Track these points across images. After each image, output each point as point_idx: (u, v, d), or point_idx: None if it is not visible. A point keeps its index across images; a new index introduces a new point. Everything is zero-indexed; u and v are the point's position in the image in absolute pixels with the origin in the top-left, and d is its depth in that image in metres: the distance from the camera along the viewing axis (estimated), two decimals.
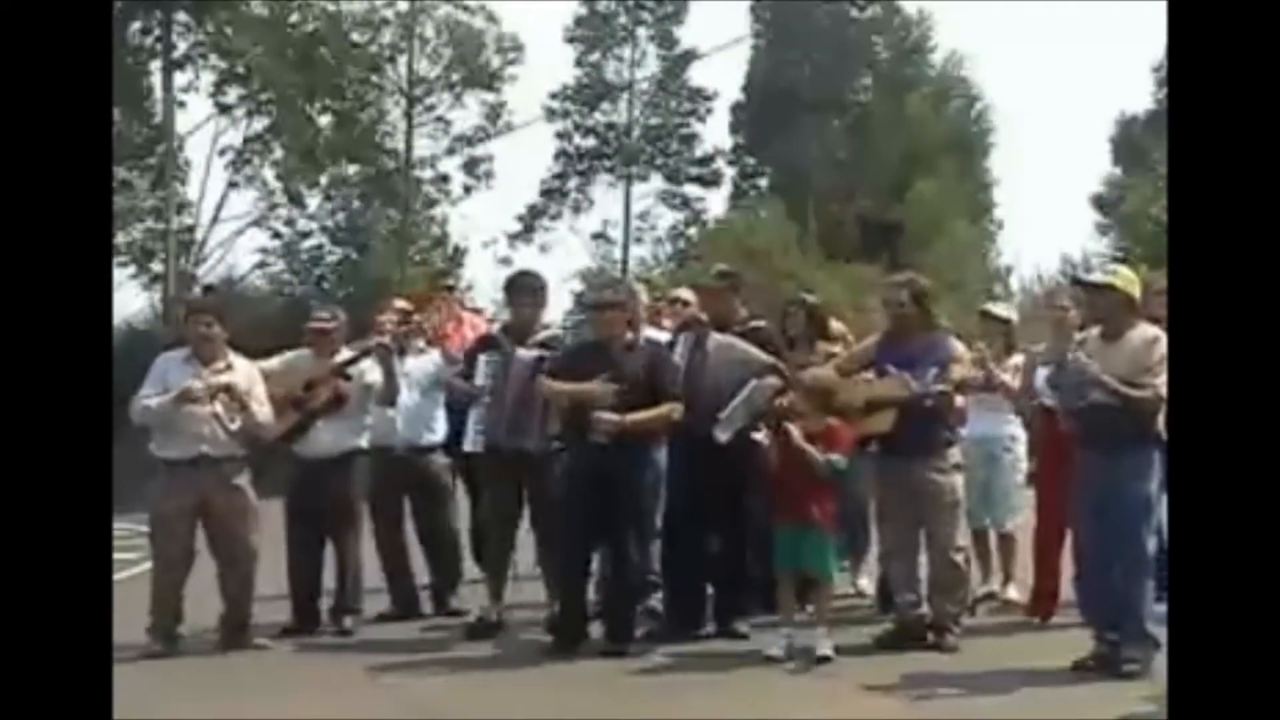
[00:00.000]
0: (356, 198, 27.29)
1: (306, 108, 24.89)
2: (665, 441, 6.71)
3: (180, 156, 24.92)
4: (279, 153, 25.37)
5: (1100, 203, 31.03)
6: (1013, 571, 7.65)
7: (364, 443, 7.45)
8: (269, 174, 25.67)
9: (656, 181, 33.14)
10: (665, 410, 6.60)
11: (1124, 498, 5.78)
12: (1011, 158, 48.01)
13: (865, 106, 30.58)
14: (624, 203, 32.88)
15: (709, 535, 6.94)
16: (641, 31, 32.81)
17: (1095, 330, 6.10)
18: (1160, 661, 5.56)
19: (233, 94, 24.63)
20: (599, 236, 32.71)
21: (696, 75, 32.78)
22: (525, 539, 7.28)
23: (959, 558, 6.69)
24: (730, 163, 32.93)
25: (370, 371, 7.32)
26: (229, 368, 6.96)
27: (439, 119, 28.45)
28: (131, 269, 24.90)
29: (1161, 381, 5.61)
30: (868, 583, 7.71)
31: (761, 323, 7.44)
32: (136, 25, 23.56)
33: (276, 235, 26.91)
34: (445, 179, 28.59)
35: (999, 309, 8.25)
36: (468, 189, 28.60)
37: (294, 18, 24.89)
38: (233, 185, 25.49)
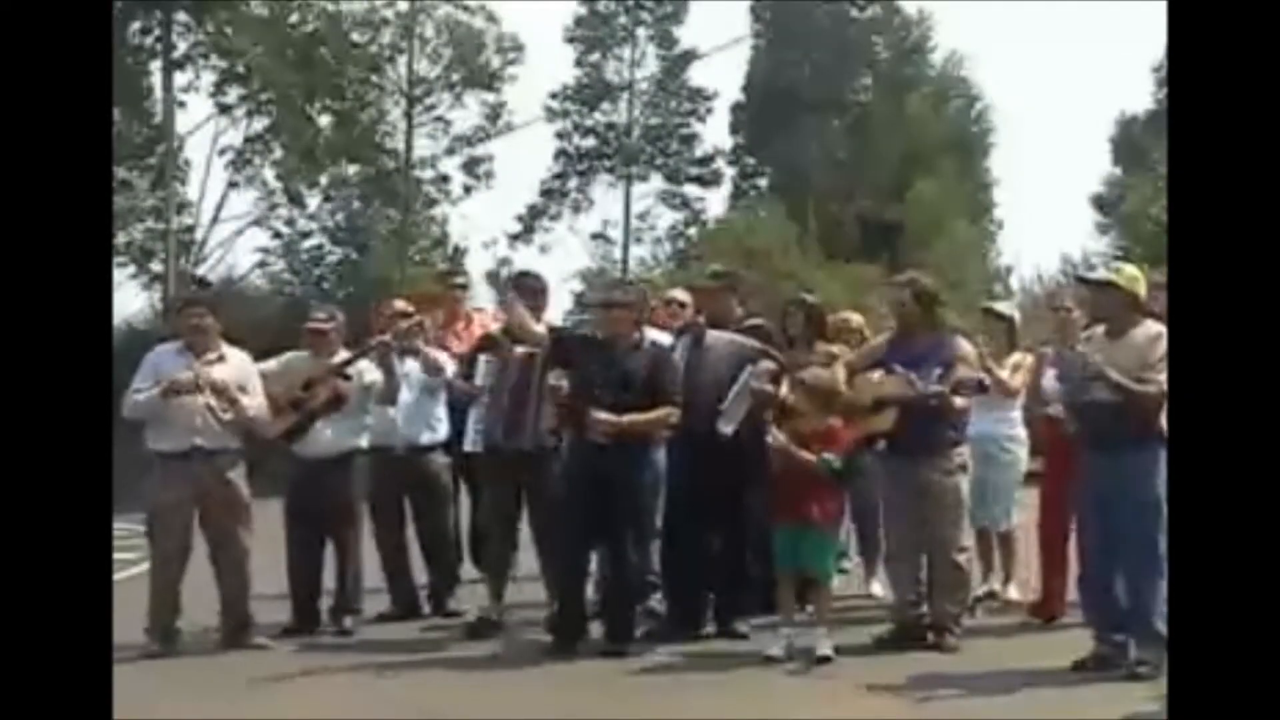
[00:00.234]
0: (356, 198, 27.28)
1: (306, 108, 24.88)
2: (664, 441, 6.72)
3: (180, 156, 24.91)
4: (279, 153, 25.36)
5: (1100, 203, 31.04)
6: (1013, 571, 7.66)
7: (363, 442, 7.45)
8: (269, 174, 25.70)
9: (656, 181, 33.15)
10: (662, 414, 6.60)
11: (1131, 497, 5.75)
12: (1011, 158, 48.10)
13: (865, 106, 30.58)
14: (624, 203, 32.90)
15: (709, 535, 6.94)
16: (641, 31, 32.78)
17: (1100, 328, 6.10)
18: None
19: (233, 94, 24.63)
20: (599, 236, 32.73)
21: (696, 75, 32.81)
22: (525, 539, 7.29)
23: (961, 558, 6.69)
24: (730, 163, 32.92)
25: (369, 371, 7.32)
26: (221, 359, 6.96)
27: (439, 119, 28.44)
28: (131, 269, 24.92)
29: (1165, 377, 5.60)
30: (880, 588, 7.63)
31: (760, 321, 7.45)
32: (136, 25, 23.55)
33: (276, 235, 26.93)
34: (445, 179, 28.59)
35: (1001, 307, 8.26)
36: (468, 189, 28.61)
37: (294, 18, 24.87)
38: (233, 185, 25.51)
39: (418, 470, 7.70)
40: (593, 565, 6.97)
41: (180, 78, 24.00)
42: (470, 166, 28.68)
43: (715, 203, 33.07)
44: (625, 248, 32.88)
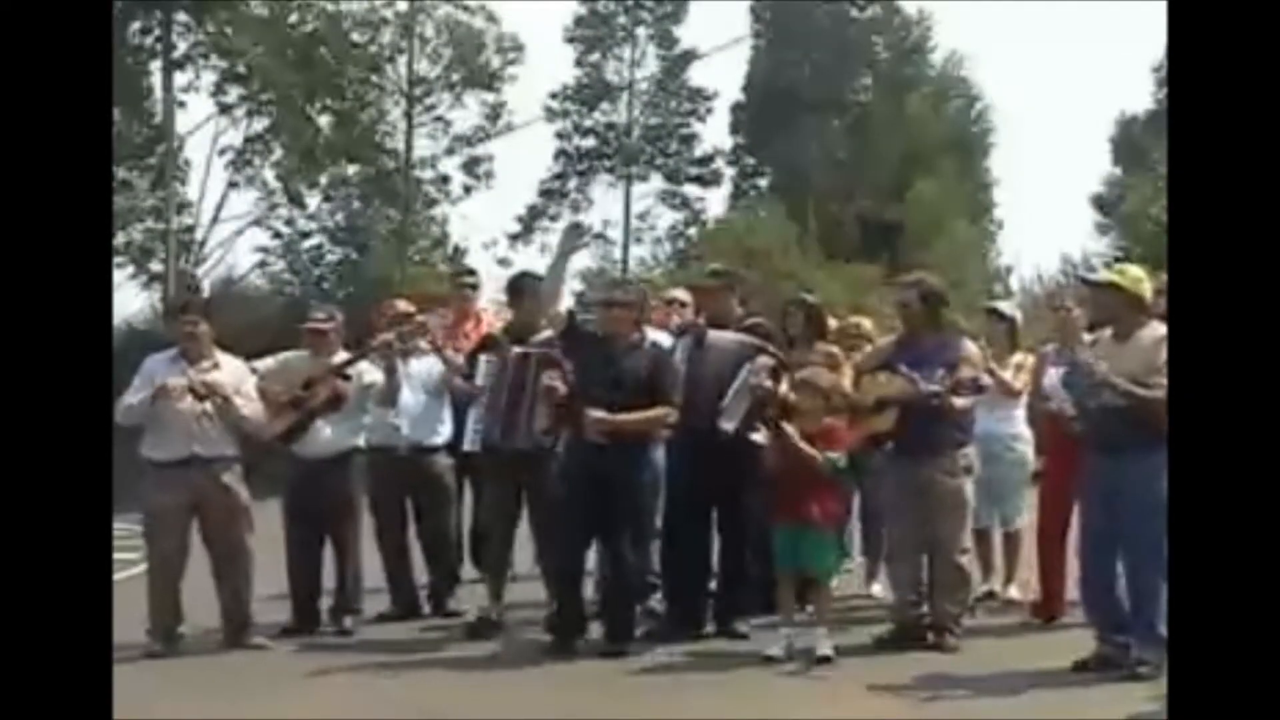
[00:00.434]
0: (356, 198, 27.23)
1: (306, 108, 24.84)
2: (664, 441, 6.71)
3: (180, 156, 24.87)
4: (279, 153, 25.33)
5: (1100, 203, 31.03)
6: (1015, 571, 7.66)
7: (361, 442, 7.45)
8: (269, 174, 25.65)
9: (656, 181, 33.14)
10: (659, 414, 6.60)
11: (1137, 500, 5.73)
12: (1011, 158, 48.06)
13: (865, 106, 30.56)
14: (624, 203, 32.89)
15: (709, 535, 6.94)
16: (641, 31, 32.78)
17: (1107, 330, 6.09)
18: None
19: (233, 94, 24.59)
20: (599, 236, 32.68)
21: (696, 75, 32.79)
22: (524, 539, 7.29)
23: (963, 559, 6.69)
24: (730, 163, 32.90)
25: (369, 372, 7.32)
26: (215, 366, 6.96)
27: (439, 119, 28.39)
28: (131, 269, 24.89)
29: None
30: (880, 588, 7.63)
31: (760, 320, 7.45)
32: (136, 25, 23.51)
33: (276, 235, 26.87)
34: (445, 179, 28.53)
35: (1004, 306, 8.27)
36: (468, 189, 28.55)
37: (294, 18, 24.83)
38: (233, 185, 25.47)
39: (421, 470, 7.70)
40: (592, 565, 6.97)
41: (180, 78, 23.98)
42: (470, 166, 28.64)
43: (715, 203, 33.12)
44: (625, 248, 32.91)
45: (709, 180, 33.10)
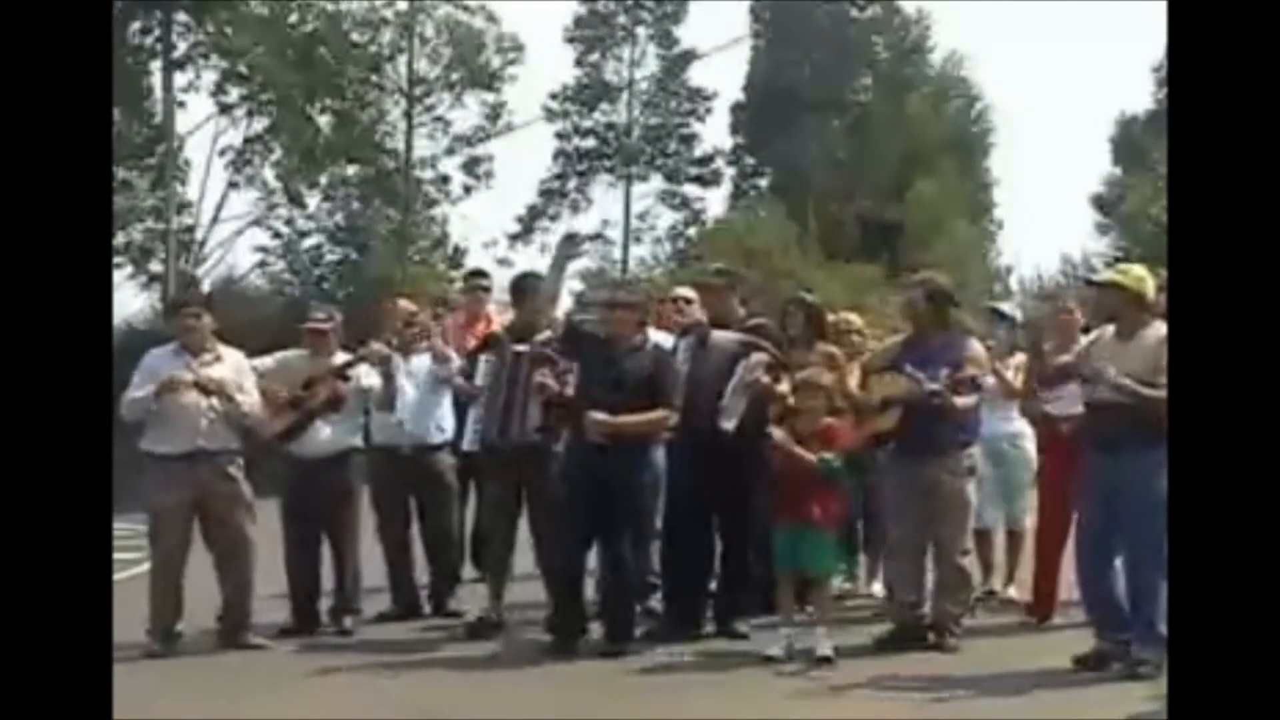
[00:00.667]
0: (356, 198, 27.22)
1: (306, 108, 24.84)
2: (664, 442, 6.71)
3: (180, 156, 24.87)
4: (279, 153, 25.33)
5: (1100, 203, 31.06)
6: (1016, 571, 7.66)
7: (359, 441, 7.45)
8: (269, 174, 25.65)
9: (656, 181, 33.12)
10: (659, 416, 6.60)
11: (1138, 499, 5.74)
12: (1011, 158, 48.14)
13: (865, 106, 30.58)
14: (624, 203, 32.88)
15: (709, 535, 6.94)
16: (641, 31, 32.77)
17: (1108, 330, 6.09)
18: None
19: (233, 94, 24.59)
20: (599, 236, 32.70)
21: (696, 75, 32.78)
22: (525, 540, 7.29)
23: (964, 560, 6.69)
24: (730, 163, 32.91)
25: (368, 375, 7.32)
26: (217, 359, 6.96)
27: (439, 119, 28.39)
28: (131, 269, 24.88)
29: None
30: (880, 588, 7.60)
31: (761, 320, 7.45)
32: (136, 25, 23.51)
33: (276, 235, 26.86)
34: (445, 179, 28.53)
35: (1006, 307, 8.28)
36: (468, 189, 28.55)
37: (294, 18, 24.82)
38: (233, 185, 25.46)
39: (424, 469, 7.69)
40: (592, 565, 6.98)
41: (180, 78, 23.97)
42: (470, 166, 28.65)
43: (715, 203, 33.12)
44: (625, 248, 32.90)
45: (709, 180, 33.11)
